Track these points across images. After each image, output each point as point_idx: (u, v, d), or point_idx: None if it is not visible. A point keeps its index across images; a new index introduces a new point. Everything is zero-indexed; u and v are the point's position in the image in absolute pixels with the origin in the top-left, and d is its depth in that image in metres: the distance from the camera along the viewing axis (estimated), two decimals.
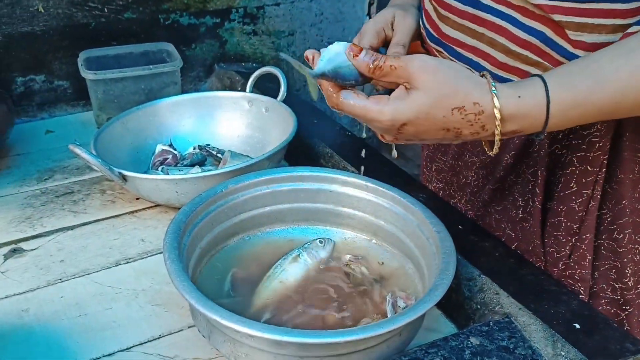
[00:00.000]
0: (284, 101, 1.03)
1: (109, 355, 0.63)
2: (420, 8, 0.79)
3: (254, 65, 1.37)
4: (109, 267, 0.77)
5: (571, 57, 0.61)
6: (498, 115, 0.54)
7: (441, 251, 0.64)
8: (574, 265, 0.71)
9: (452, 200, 0.88)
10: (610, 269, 0.72)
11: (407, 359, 0.57)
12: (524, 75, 0.66)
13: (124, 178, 0.84)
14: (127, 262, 0.78)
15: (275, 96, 1.05)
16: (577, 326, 0.61)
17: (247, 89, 1.08)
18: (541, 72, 0.64)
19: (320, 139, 1.00)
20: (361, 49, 0.58)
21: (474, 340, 0.60)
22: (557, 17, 0.60)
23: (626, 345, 0.59)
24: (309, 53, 0.62)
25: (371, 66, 0.57)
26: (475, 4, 0.67)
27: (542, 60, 0.64)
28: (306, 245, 0.75)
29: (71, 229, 0.85)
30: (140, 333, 0.66)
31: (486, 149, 0.60)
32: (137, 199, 0.92)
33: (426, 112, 0.55)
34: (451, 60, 0.74)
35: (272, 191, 0.78)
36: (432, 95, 0.55)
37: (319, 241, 0.75)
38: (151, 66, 1.12)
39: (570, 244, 0.71)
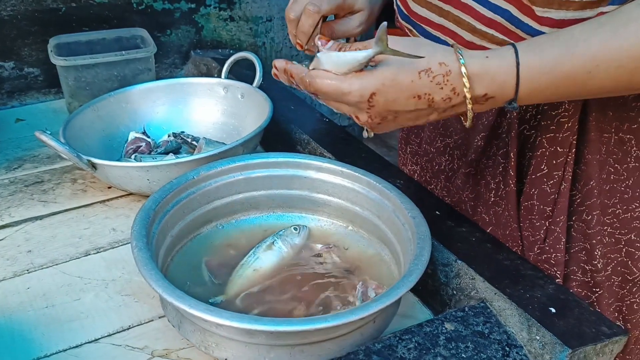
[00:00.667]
0: (261, 87, 1.01)
1: (76, 347, 0.61)
2: None
3: (231, 51, 1.35)
4: (79, 257, 0.75)
5: (537, 34, 0.60)
6: (464, 71, 0.53)
7: (416, 237, 0.63)
8: (549, 249, 0.71)
9: (429, 187, 0.87)
10: (581, 250, 0.71)
11: (381, 346, 0.56)
12: None
13: (94, 166, 0.81)
14: (97, 252, 0.76)
15: (251, 82, 1.03)
16: (553, 310, 0.60)
17: (223, 75, 1.06)
18: None
19: (297, 125, 0.98)
20: (329, 40, 0.58)
21: (448, 326, 0.59)
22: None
23: (601, 329, 0.58)
24: (278, 64, 0.61)
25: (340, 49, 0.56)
26: None
27: (507, 39, 0.63)
28: (281, 233, 0.73)
29: (40, 218, 0.83)
30: (109, 324, 0.64)
31: (463, 121, 0.59)
32: (109, 187, 0.90)
33: (392, 78, 0.54)
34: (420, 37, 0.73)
35: (245, 177, 0.76)
36: (396, 62, 0.54)
37: (294, 228, 0.74)
38: (124, 52, 1.09)
39: (545, 227, 0.71)
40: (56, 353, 0.60)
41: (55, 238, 0.79)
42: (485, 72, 0.53)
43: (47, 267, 0.73)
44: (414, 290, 0.67)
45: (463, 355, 0.56)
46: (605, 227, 0.69)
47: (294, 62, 0.61)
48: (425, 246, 0.62)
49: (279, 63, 0.61)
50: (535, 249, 0.72)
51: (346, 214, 0.76)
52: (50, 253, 0.76)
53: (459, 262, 0.67)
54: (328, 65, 0.56)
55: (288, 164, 0.77)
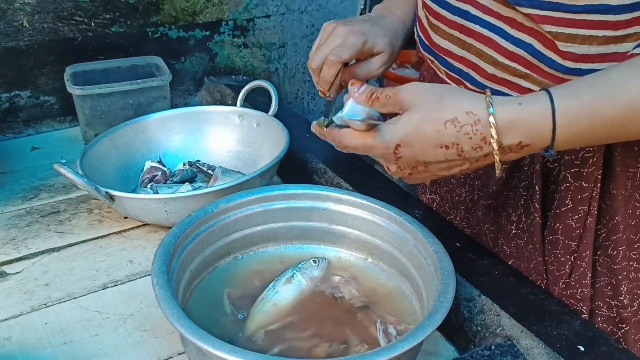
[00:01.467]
0: (276, 115, 1.01)
1: None
2: (414, 15, 0.78)
3: (244, 77, 1.35)
4: (96, 291, 0.74)
5: (560, 68, 0.60)
6: (492, 121, 0.51)
7: (440, 272, 0.62)
8: (575, 284, 0.70)
9: (448, 217, 0.86)
10: (606, 285, 0.70)
11: None
12: (514, 87, 0.65)
13: (111, 197, 0.81)
14: (115, 285, 0.76)
15: (266, 110, 1.03)
16: (581, 348, 0.59)
17: (238, 103, 1.06)
18: (530, 84, 0.63)
19: (313, 154, 0.98)
20: (362, 83, 0.58)
21: None
22: (548, 28, 0.58)
23: None
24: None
25: (371, 98, 0.57)
26: (464, 14, 0.66)
27: (530, 72, 0.62)
28: (300, 265, 0.73)
29: (57, 250, 0.82)
30: None
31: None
32: (125, 218, 0.89)
33: (415, 128, 0.53)
34: (442, 69, 0.73)
35: (264, 210, 0.76)
36: (419, 110, 0.53)
37: (313, 260, 0.73)
38: (139, 80, 1.09)
39: (570, 262, 0.70)
40: None
41: (73, 271, 0.78)
42: (519, 119, 0.52)
43: (65, 301, 0.72)
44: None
45: None
46: (632, 263, 0.67)
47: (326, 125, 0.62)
48: (449, 282, 0.60)
49: (315, 129, 0.63)
50: (561, 284, 0.71)
51: (366, 246, 0.76)
52: (68, 286, 0.75)
53: (483, 297, 0.66)
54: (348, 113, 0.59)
55: (307, 195, 0.76)
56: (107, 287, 0.75)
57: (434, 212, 0.84)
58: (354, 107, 0.60)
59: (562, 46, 0.58)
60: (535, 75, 0.62)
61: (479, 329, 0.66)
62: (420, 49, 0.76)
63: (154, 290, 0.57)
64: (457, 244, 0.75)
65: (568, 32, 0.57)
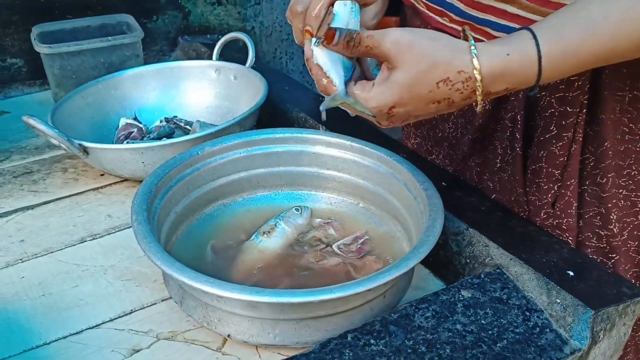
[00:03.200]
0: (253, 68, 0.99)
1: (77, 333, 0.58)
2: None
3: (219, 36, 1.31)
4: (74, 245, 0.72)
5: None
6: (478, 77, 0.52)
7: (429, 209, 0.61)
8: (560, 213, 0.69)
9: (430, 157, 0.85)
10: (595, 216, 0.69)
11: (397, 316, 0.54)
12: (501, 14, 0.63)
13: (85, 151, 0.78)
14: (94, 239, 0.73)
15: (243, 64, 1.00)
16: (571, 273, 0.58)
17: (214, 57, 1.03)
18: (517, 9, 0.61)
19: (293, 104, 0.96)
20: (333, 33, 0.56)
21: (465, 293, 0.57)
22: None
23: (622, 290, 0.56)
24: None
25: (349, 47, 0.56)
26: None
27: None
28: (283, 214, 0.71)
29: (31, 208, 0.79)
30: (110, 309, 0.61)
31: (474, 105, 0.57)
32: (102, 175, 0.86)
33: (409, 90, 0.53)
34: (422, 1, 0.70)
35: (252, 154, 0.74)
36: (412, 72, 0.52)
37: (295, 209, 0.72)
38: (110, 38, 1.06)
39: (553, 191, 0.69)
40: (56, 340, 0.57)
41: (49, 227, 0.75)
42: (507, 70, 0.52)
43: (42, 256, 0.70)
44: (425, 262, 0.65)
45: (482, 321, 0.54)
46: (621, 190, 0.67)
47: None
48: (437, 218, 0.59)
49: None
50: (542, 214, 0.70)
51: (357, 190, 0.74)
52: (44, 242, 0.72)
53: (471, 230, 0.65)
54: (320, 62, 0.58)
55: (295, 139, 0.74)
56: (85, 241, 0.73)
57: (417, 155, 0.83)
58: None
59: None
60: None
61: (468, 261, 0.65)
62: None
63: (133, 226, 0.55)
64: (443, 183, 0.74)
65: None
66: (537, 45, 0.51)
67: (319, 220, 0.73)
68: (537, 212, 0.71)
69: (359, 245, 0.69)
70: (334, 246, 0.69)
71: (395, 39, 0.53)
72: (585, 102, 0.64)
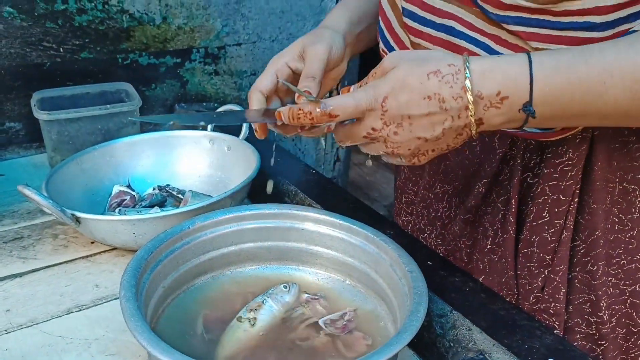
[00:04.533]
0: (247, 139, 1.01)
1: None
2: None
3: (215, 104, 1.35)
4: (60, 316, 0.72)
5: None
6: (468, 65, 0.53)
7: (413, 292, 0.62)
8: (548, 298, 0.70)
9: (422, 235, 0.86)
10: (585, 302, 0.71)
11: None
12: None
13: (78, 220, 0.79)
14: (80, 310, 0.73)
15: (237, 135, 1.03)
16: None
17: (209, 128, 1.06)
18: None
19: (284, 177, 0.98)
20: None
21: None
22: (535, 44, 0.59)
23: None
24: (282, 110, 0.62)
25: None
26: (449, 29, 0.66)
27: None
28: (270, 291, 0.72)
29: (19, 276, 0.80)
30: None
31: (473, 130, 0.57)
32: (92, 242, 0.87)
33: (402, 81, 0.55)
34: None
35: (242, 229, 0.75)
36: (404, 67, 0.55)
37: (283, 286, 0.72)
38: (108, 105, 1.09)
39: (543, 275, 0.70)
40: None
41: (35, 296, 0.75)
42: (496, 67, 0.53)
43: (27, 327, 0.70)
44: (410, 343, 0.66)
45: None
46: (610, 278, 0.68)
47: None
48: (421, 302, 0.60)
49: (282, 109, 0.62)
50: (531, 298, 0.71)
51: (344, 267, 0.75)
52: (30, 312, 0.72)
53: (455, 312, 0.66)
54: None
55: (285, 215, 0.76)
56: (71, 312, 0.73)
57: (405, 232, 0.85)
58: None
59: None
60: None
61: (452, 344, 0.65)
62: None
63: (120, 303, 0.56)
64: (429, 262, 0.75)
65: (554, 48, 0.58)
66: (528, 54, 0.53)
67: (306, 295, 0.73)
68: (526, 295, 0.72)
69: (344, 322, 0.70)
70: (320, 321, 0.69)
71: (392, 54, 0.57)
72: (577, 191, 0.67)
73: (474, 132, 0.55)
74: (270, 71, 0.71)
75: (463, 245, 0.79)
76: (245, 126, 1.03)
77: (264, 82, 0.70)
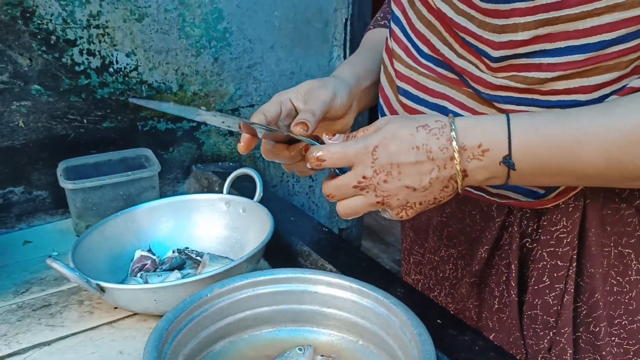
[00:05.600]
0: (261, 201, 1.06)
1: None
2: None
3: (230, 164, 1.41)
4: None
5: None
6: (452, 120, 0.57)
7: (422, 355, 0.64)
8: (556, 359, 0.72)
9: (432, 294, 0.89)
10: None
11: None
12: None
13: (102, 289, 0.83)
14: None
15: (252, 195, 1.07)
16: None
17: (224, 191, 1.10)
18: None
19: (297, 237, 1.02)
20: (334, 134, 0.65)
21: None
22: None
23: None
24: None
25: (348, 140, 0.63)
26: (442, 109, 0.69)
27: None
28: (286, 354, 0.75)
29: (47, 344, 0.83)
30: None
31: (459, 182, 0.59)
32: (116, 308, 0.91)
33: (393, 133, 0.59)
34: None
35: (257, 293, 0.79)
36: (396, 121, 0.60)
37: (298, 349, 0.75)
38: (129, 172, 1.14)
39: (549, 337, 0.72)
40: None
41: None
42: (478, 123, 0.58)
43: None
44: None
45: None
46: (614, 338, 0.70)
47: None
48: None
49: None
50: (539, 358, 0.73)
51: (356, 329, 0.78)
52: None
53: None
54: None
55: (298, 279, 0.79)
56: None
57: (416, 291, 0.87)
58: None
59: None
60: None
61: None
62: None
63: None
64: (439, 320, 0.78)
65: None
66: (507, 114, 0.58)
67: (320, 357, 0.76)
68: (534, 355, 0.74)
69: None
70: None
71: (385, 117, 0.61)
72: (575, 256, 0.69)
73: (459, 184, 0.59)
74: (275, 101, 0.73)
75: (471, 305, 0.81)
76: (259, 188, 1.08)
77: (268, 107, 0.71)
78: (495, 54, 0.60)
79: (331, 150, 0.61)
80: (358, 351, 0.77)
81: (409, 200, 0.60)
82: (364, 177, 0.60)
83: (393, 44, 0.74)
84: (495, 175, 0.58)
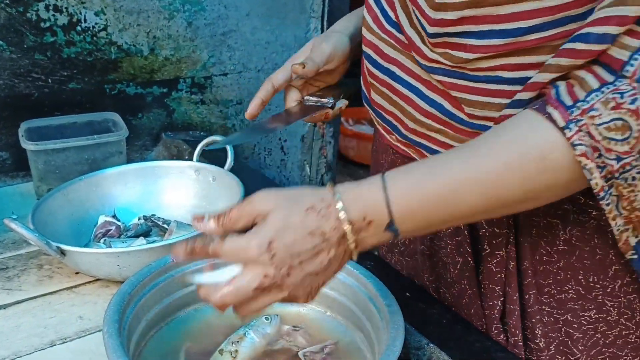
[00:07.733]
0: (232, 170, 1.04)
1: None
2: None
3: (201, 133, 1.38)
4: (43, 349, 0.73)
5: (468, 125, 0.67)
6: (338, 197, 0.55)
7: (390, 325, 0.64)
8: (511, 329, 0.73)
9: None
10: (525, 329, 0.73)
11: None
12: (432, 140, 0.72)
13: (63, 252, 0.80)
14: (64, 342, 0.74)
15: (223, 165, 1.05)
16: None
17: (194, 158, 1.08)
18: (444, 138, 0.70)
19: None
20: (202, 217, 0.57)
21: None
22: (454, 93, 0.66)
23: None
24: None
25: (219, 221, 0.56)
26: (391, 74, 0.74)
27: (443, 128, 0.70)
28: (252, 323, 0.73)
29: (4, 308, 0.80)
30: None
31: (352, 254, 0.58)
32: (77, 273, 0.88)
33: (283, 223, 0.54)
34: (378, 120, 0.80)
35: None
36: (281, 209, 0.55)
37: (265, 318, 0.74)
38: (95, 136, 1.10)
39: (498, 307, 0.73)
40: None
41: (19, 328, 0.76)
42: (359, 195, 0.55)
43: None
44: None
45: None
46: (544, 307, 0.71)
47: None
48: (397, 336, 0.62)
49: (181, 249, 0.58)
50: (494, 328, 0.74)
51: (324, 299, 0.76)
52: (14, 345, 0.73)
53: (431, 345, 0.68)
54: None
55: None
56: (55, 345, 0.74)
57: (386, 264, 0.87)
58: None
59: (466, 109, 0.66)
60: (447, 130, 0.69)
61: None
62: (363, 101, 0.83)
63: (104, 339, 0.57)
64: (407, 294, 0.77)
65: (470, 99, 0.65)
66: (383, 177, 0.56)
67: (287, 327, 0.75)
68: (490, 326, 0.75)
69: (324, 355, 0.71)
70: (300, 353, 0.71)
71: (260, 194, 0.56)
72: (512, 223, 0.70)
73: (354, 255, 0.58)
74: (287, 66, 0.79)
75: (428, 282, 0.82)
76: (230, 156, 1.05)
77: (279, 75, 0.79)
78: (430, 30, 0.64)
79: (225, 246, 0.55)
80: (325, 322, 0.76)
81: (312, 285, 0.58)
82: (265, 276, 0.55)
83: (365, 12, 0.77)
84: (385, 239, 0.58)
